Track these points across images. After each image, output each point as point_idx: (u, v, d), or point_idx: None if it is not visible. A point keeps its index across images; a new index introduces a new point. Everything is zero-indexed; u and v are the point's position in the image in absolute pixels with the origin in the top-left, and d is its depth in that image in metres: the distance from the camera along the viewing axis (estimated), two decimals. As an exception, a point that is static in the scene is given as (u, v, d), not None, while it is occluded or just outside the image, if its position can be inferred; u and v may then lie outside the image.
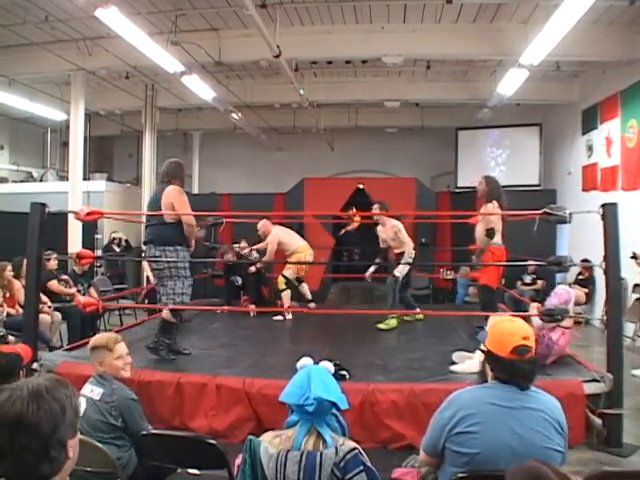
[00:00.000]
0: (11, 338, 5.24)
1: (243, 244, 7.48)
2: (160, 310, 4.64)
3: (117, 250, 9.91)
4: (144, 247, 4.60)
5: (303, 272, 6.90)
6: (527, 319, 4.74)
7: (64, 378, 1.27)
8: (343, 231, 9.49)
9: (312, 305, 6.88)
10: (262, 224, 6.87)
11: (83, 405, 2.49)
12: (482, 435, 1.82)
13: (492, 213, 4.75)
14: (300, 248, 6.73)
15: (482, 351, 2.03)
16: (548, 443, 1.85)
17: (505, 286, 6.74)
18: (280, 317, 6.51)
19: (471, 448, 1.83)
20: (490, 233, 4.73)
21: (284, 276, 6.71)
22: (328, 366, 2.00)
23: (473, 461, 1.82)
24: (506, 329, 1.96)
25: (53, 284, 6.26)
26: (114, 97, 10.36)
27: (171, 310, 4.44)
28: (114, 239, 10.09)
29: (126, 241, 10.24)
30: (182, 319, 5.07)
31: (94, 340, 2.82)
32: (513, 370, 1.90)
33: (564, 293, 4.26)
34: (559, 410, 1.93)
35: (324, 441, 1.73)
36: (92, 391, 2.57)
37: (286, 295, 6.66)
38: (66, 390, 1.21)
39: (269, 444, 1.77)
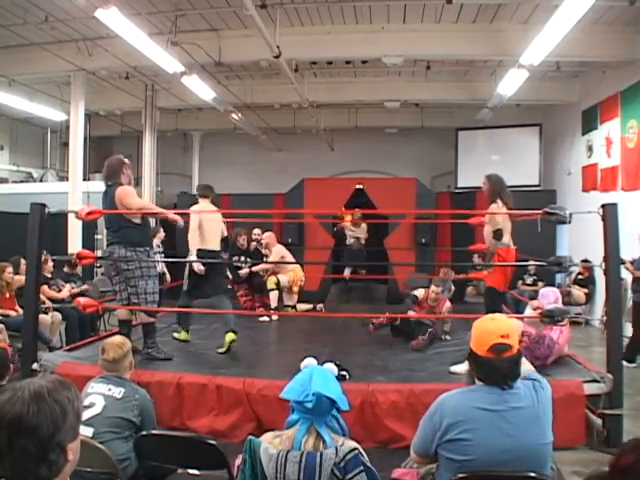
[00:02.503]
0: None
1: (257, 230, 7.47)
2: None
3: None
4: (108, 248, 4.54)
5: (295, 287, 6.91)
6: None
7: (67, 380, 1.26)
8: (336, 228, 9.60)
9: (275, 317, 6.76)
10: (269, 236, 7.01)
11: (101, 403, 2.54)
12: (475, 442, 1.80)
13: (497, 213, 4.73)
14: (297, 267, 6.97)
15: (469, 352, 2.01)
16: (542, 439, 1.85)
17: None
18: (266, 318, 6.54)
19: (464, 455, 1.81)
20: (498, 235, 4.72)
21: (277, 279, 6.72)
22: (332, 368, 2.01)
23: (466, 467, 1.80)
24: (485, 328, 1.94)
25: (44, 289, 6.05)
26: (114, 97, 10.36)
27: (145, 311, 4.50)
28: None
29: None
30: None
31: (127, 344, 2.82)
32: (490, 369, 1.87)
33: (551, 294, 4.43)
34: (548, 396, 1.92)
35: (324, 441, 1.74)
36: (110, 390, 2.62)
37: (274, 295, 6.67)
38: (68, 393, 1.19)
39: (269, 444, 1.77)
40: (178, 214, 4.76)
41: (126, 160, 4.62)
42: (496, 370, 1.86)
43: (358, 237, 9.48)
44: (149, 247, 4.55)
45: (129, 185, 4.49)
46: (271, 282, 6.66)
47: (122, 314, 4.63)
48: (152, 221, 5.94)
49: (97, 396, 2.58)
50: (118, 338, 2.88)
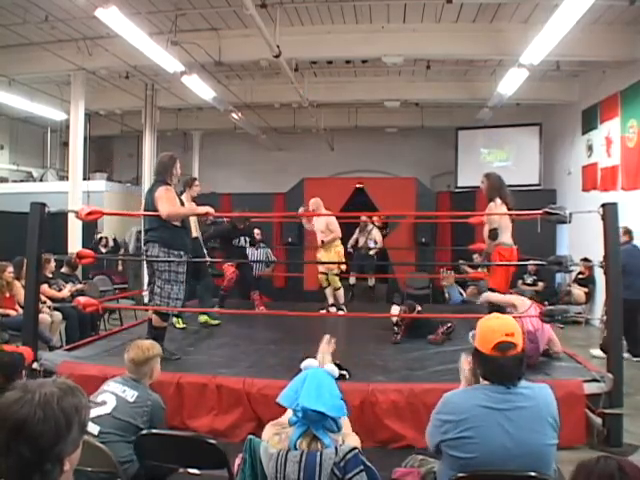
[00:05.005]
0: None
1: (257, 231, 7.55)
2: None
3: (103, 251, 9.75)
4: (144, 246, 4.49)
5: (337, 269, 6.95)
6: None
7: (79, 386, 1.22)
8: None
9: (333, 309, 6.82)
10: (314, 202, 6.54)
11: (112, 402, 2.51)
12: (477, 439, 1.81)
13: (494, 213, 4.72)
14: (340, 248, 6.75)
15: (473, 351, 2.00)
16: (543, 440, 1.84)
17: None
18: (341, 312, 6.65)
19: (467, 452, 1.82)
20: (493, 234, 4.68)
21: (336, 274, 6.79)
22: (332, 369, 1.99)
23: (469, 465, 1.82)
24: (490, 326, 1.95)
25: (44, 288, 6.04)
26: (114, 97, 10.36)
27: (159, 315, 4.43)
28: (100, 239, 9.92)
29: (114, 240, 10.14)
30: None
31: (152, 350, 2.74)
32: (495, 367, 1.87)
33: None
34: (552, 401, 1.92)
35: (322, 443, 1.73)
36: (124, 392, 2.58)
37: (341, 293, 6.78)
38: (78, 401, 1.16)
39: (269, 441, 1.77)
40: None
41: (175, 158, 4.57)
42: (501, 368, 1.87)
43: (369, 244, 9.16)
44: (184, 251, 4.44)
45: (174, 184, 4.46)
46: (336, 281, 6.72)
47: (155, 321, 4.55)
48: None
49: (110, 395, 2.55)
50: (147, 342, 2.79)
